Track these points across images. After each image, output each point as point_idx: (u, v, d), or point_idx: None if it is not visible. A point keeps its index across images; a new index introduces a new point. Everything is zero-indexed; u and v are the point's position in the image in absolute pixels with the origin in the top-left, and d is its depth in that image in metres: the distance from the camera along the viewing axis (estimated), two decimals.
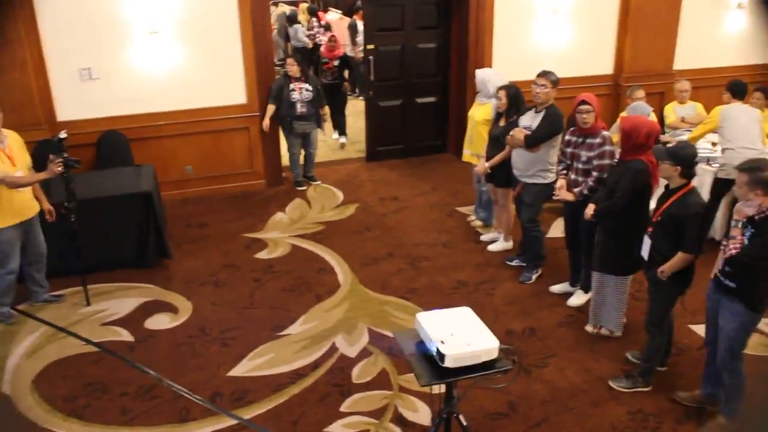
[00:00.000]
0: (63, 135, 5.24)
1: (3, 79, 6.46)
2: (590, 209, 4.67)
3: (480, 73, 6.41)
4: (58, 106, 6.94)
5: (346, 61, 10.06)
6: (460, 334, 3.24)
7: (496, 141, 5.95)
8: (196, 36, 7.24)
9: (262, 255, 6.33)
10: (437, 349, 3.13)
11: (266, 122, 7.57)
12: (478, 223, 6.89)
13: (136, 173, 6.36)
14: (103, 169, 6.72)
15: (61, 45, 6.78)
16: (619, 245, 4.61)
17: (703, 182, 6.23)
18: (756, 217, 3.62)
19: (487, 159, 6.04)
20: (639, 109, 6.55)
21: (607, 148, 4.91)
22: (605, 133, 5.02)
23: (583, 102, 4.93)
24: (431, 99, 8.88)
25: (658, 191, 4.43)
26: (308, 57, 13.59)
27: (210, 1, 7.18)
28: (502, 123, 5.94)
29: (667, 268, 4.11)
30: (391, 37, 8.42)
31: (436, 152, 9.11)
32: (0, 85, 6.44)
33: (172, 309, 5.47)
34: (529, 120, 5.53)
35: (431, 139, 9.07)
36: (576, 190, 4.99)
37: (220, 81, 7.42)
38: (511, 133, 5.56)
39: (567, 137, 5.15)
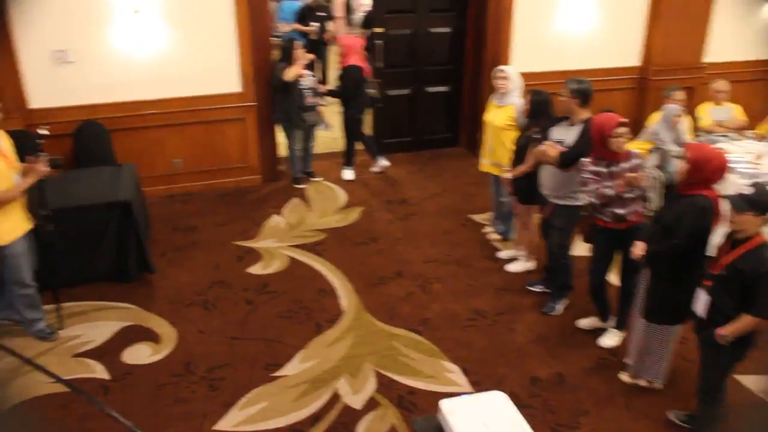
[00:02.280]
0: (44, 131, 4.55)
1: None
2: (639, 249, 4.04)
3: (512, 70, 5.71)
4: (29, 93, 6.22)
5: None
6: None
7: (520, 151, 5.30)
8: (185, 16, 6.49)
9: (256, 270, 5.68)
10: None
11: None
12: (496, 236, 6.25)
13: (114, 176, 5.67)
14: (78, 168, 6.04)
15: (32, 24, 6.03)
16: (672, 292, 3.97)
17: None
18: None
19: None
20: (667, 110, 5.93)
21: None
22: (636, 151, 4.43)
23: (622, 123, 4.27)
24: (443, 88, 8.17)
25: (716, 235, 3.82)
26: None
27: None
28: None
29: (729, 332, 3.50)
30: (402, 21, 7.67)
31: (447, 146, 8.44)
32: None
33: (153, 337, 4.84)
34: (562, 133, 4.85)
35: (442, 132, 8.39)
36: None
37: (212, 67, 6.69)
38: (540, 146, 4.89)
39: (591, 168, 4.39)
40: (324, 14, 9.61)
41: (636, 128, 6.28)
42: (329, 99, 7.51)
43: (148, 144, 6.72)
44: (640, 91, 8.36)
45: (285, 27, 9.54)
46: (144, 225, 5.66)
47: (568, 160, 4.68)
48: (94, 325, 4.96)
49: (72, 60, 6.26)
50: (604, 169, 4.34)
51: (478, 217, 6.68)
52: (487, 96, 7.16)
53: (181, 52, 6.56)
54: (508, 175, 5.43)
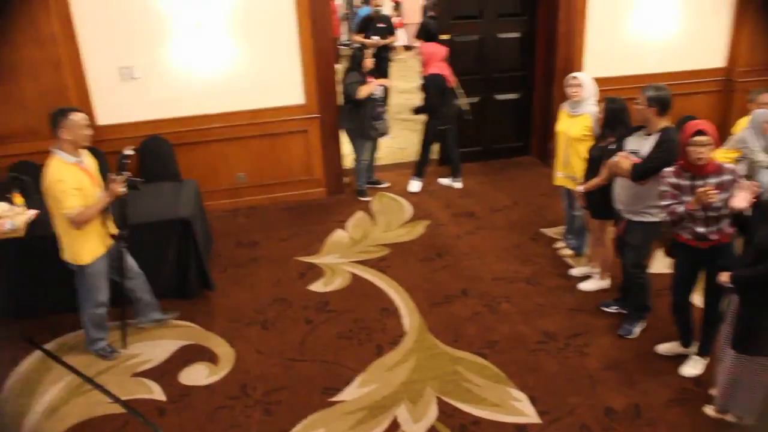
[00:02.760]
0: (129, 152, 4.52)
1: (37, 81, 5.84)
2: (725, 276, 3.66)
3: (585, 77, 5.38)
4: (97, 110, 6.29)
5: None
6: None
7: (594, 162, 4.97)
8: (247, 29, 6.44)
9: (317, 287, 5.54)
10: None
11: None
12: (568, 252, 5.91)
13: (176, 192, 5.64)
14: (144, 183, 6.03)
15: (99, 42, 6.10)
16: (765, 322, 3.59)
17: None
18: None
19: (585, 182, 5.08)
20: (755, 116, 5.47)
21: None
22: (730, 166, 3.99)
23: (700, 132, 3.84)
24: (513, 96, 7.87)
25: None
26: None
27: None
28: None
29: None
30: (469, 26, 7.42)
31: (518, 154, 8.13)
32: (34, 88, 5.83)
33: (211, 358, 4.75)
34: (637, 144, 4.49)
35: (512, 141, 8.08)
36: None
37: (274, 79, 6.61)
38: (614, 157, 4.55)
39: (671, 179, 4.02)
40: (384, 25, 9.41)
41: (722, 135, 5.83)
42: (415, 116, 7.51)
43: (211, 158, 6.70)
44: (725, 94, 7.85)
45: (357, 37, 9.41)
46: (205, 241, 5.62)
47: (641, 172, 4.33)
48: (155, 343, 4.92)
49: (137, 76, 6.31)
50: (686, 182, 3.96)
51: (549, 231, 6.36)
52: (559, 104, 6.87)
53: (243, 65, 6.51)
54: (581, 189, 5.10)
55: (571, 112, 5.40)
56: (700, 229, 3.96)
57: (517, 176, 7.66)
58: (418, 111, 7.33)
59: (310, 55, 6.60)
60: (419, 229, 6.48)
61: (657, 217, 4.44)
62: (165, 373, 4.60)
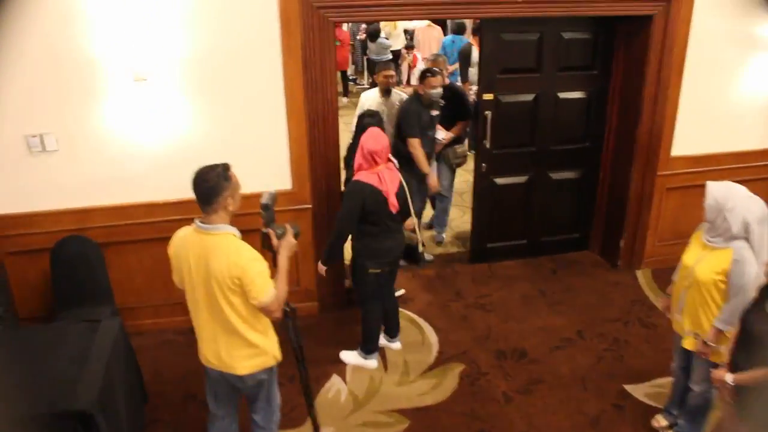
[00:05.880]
0: (266, 200, 3.33)
1: None
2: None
3: (719, 190, 3.40)
4: None
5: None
6: None
7: (752, 339, 3.03)
8: (211, 84, 4.49)
9: None
10: None
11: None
12: None
13: (83, 347, 3.54)
14: (45, 320, 4.13)
15: None
16: None
17: None
18: None
19: (732, 365, 3.13)
20: None
21: None
22: None
23: None
24: (573, 174, 5.89)
25: None
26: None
27: (232, 30, 4.40)
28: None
29: None
30: (521, 83, 5.47)
31: (573, 249, 6.13)
32: None
33: None
34: None
35: (568, 231, 6.08)
36: None
37: (248, 155, 4.60)
38: None
39: None
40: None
41: None
42: None
43: (156, 263, 4.72)
44: None
45: None
46: (131, 413, 3.63)
47: None
48: None
49: (52, 148, 4.36)
50: None
51: (639, 391, 4.38)
52: (633, 181, 5.37)
53: (203, 134, 4.56)
54: (729, 380, 3.13)
55: (711, 241, 3.45)
56: None
57: (576, 285, 5.66)
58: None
59: (301, 123, 4.66)
60: (450, 381, 4.48)
61: None
62: None
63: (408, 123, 5.37)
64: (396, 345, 4.86)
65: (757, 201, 3.32)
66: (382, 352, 4.79)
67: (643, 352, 4.75)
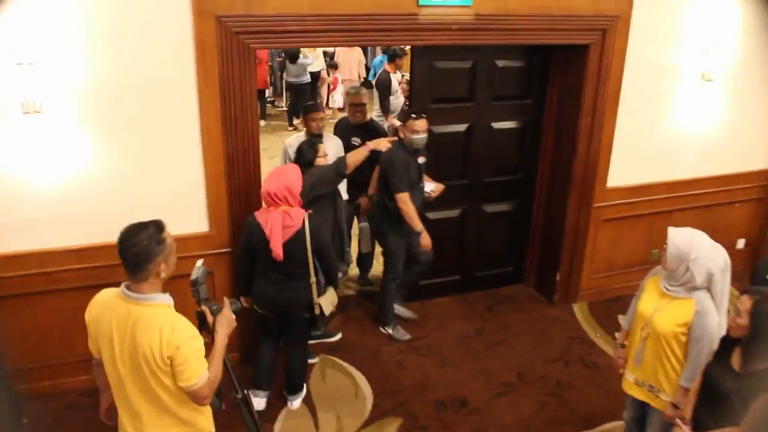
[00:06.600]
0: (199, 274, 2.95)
1: None
2: None
3: (682, 239, 3.18)
4: None
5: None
6: None
7: (718, 397, 2.83)
8: (115, 115, 3.99)
9: None
10: None
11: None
12: None
13: None
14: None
15: None
16: None
17: None
18: None
19: (695, 421, 2.94)
20: None
21: None
22: None
23: None
24: (507, 207, 5.67)
25: None
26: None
27: (140, 56, 3.91)
28: (735, 361, 2.83)
29: None
30: (454, 112, 5.20)
31: (507, 283, 5.91)
32: None
33: None
34: None
35: (501, 265, 5.86)
36: None
37: (158, 195, 4.14)
38: None
39: None
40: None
41: None
42: None
43: (56, 318, 4.18)
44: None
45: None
46: None
47: None
48: None
49: None
50: None
51: None
52: (568, 213, 5.31)
53: (106, 172, 4.05)
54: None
55: (669, 289, 3.23)
56: None
57: (513, 322, 5.41)
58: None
59: (219, 159, 4.22)
60: None
61: None
62: None
63: (396, 176, 4.71)
64: (293, 405, 4.41)
65: (719, 250, 3.14)
66: (311, 407, 4.37)
67: (588, 395, 4.53)
